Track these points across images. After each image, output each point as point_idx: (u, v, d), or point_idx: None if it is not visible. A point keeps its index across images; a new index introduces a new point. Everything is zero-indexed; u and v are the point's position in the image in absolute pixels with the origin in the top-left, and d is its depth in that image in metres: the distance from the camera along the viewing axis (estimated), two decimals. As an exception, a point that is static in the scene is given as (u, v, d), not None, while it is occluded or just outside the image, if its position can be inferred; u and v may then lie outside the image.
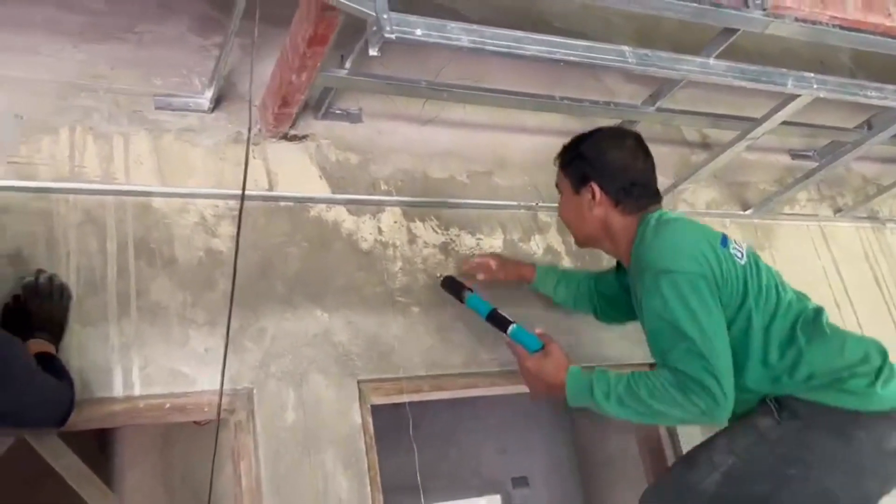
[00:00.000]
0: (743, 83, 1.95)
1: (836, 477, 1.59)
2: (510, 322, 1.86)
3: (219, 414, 1.68)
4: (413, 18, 1.54)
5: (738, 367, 1.63)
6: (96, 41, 2.04)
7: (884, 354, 1.71)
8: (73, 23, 2.03)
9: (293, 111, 2.00)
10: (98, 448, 3.77)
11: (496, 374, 2.15)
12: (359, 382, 1.95)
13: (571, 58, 1.71)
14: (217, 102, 2.08)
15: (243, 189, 1.67)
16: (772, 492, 1.60)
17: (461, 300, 2.03)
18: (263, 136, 2.10)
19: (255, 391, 1.83)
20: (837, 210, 3.04)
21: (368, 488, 1.85)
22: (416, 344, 2.06)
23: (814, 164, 3.00)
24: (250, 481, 1.78)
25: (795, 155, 3.09)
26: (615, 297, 2.07)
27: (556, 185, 1.97)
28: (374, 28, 1.51)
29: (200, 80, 2.11)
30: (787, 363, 1.66)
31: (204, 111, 2.07)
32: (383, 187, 2.22)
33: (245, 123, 2.08)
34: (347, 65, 2.03)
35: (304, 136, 2.16)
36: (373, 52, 1.54)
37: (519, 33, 1.67)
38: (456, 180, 2.35)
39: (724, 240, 1.75)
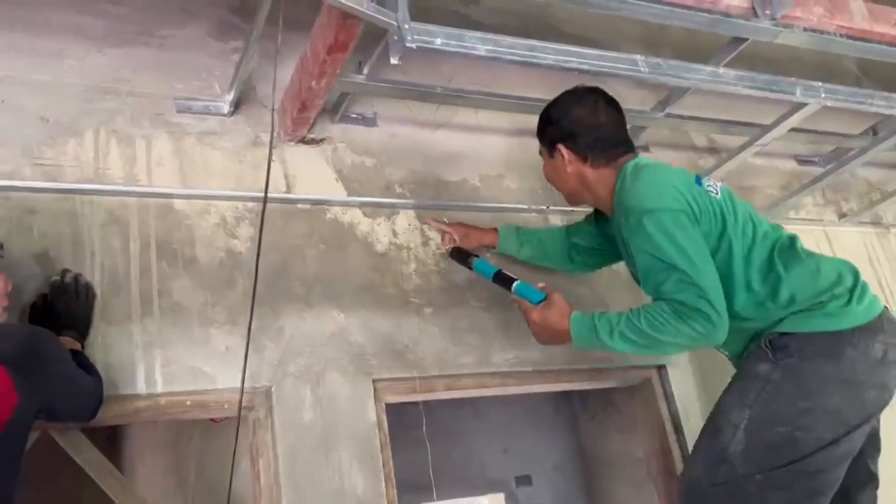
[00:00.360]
0: (752, 92, 1.99)
1: (837, 396, 1.68)
2: (514, 279, 1.98)
3: (239, 411, 1.73)
4: (433, 28, 1.59)
5: (725, 294, 1.71)
6: (119, 45, 2.09)
7: (855, 273, 1.84)
8: (96, 27, 2.07)
9: (311, 115, 2.05)
10: (107, 444, 3.82)
11: (506, 375, 2.19)
12: (374, 381, 1.99)
13: (584, 66, 1.76)
14: (236, 106, 2.12)
15: (266, 191, 1.72)
16: (792, 429, 1.67)
17: (469, 267, 2.12)
18: (281, 139, 2.14)
19: (273, 389, 1.88)
20: (842, 215, 3.08)
21: (383, 485, 1.90)
22: (430, 344, 2.11)
23: (819, 170, 3.05)
24: (269, 477, 1.82)
25: (801, 160, 3.13)
26: (592, 246, 2.18)
27: (539, 153, 2.06)
28: (396, 37, 1.56)
29: (220, 84, 2.15)
30: (769, 288, 1.77)
31: (224, 115, 2.11)
32: (398, 190, 2.26)
33: (263, 127, 2.15)
34: (365, 71, 2.07)
35: (321, 140, 2.20)
36: (394, 60, 1.59)
37: (534, 42, 1.71)
38: (468, 183, 2.40)
39: (698, 179, 1.86)
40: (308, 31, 1.90)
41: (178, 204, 1.97)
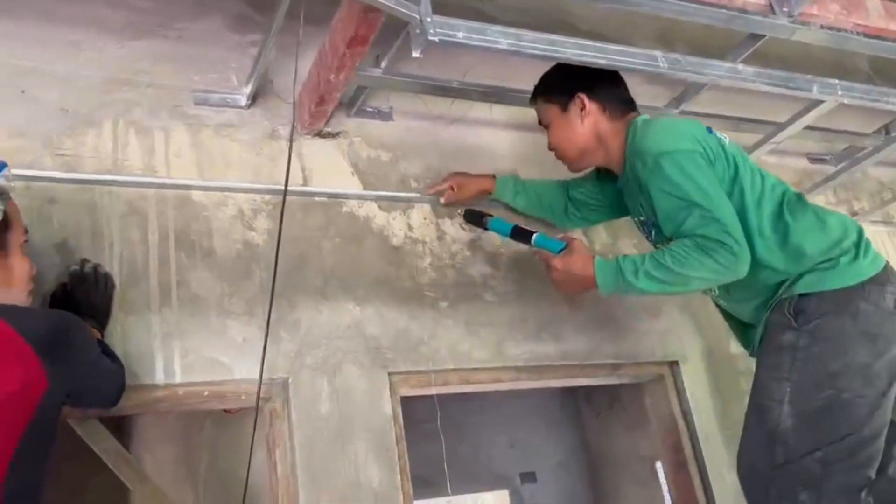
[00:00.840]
0: (770, 88, 2.00)
1: (863, 350, 1.71)
2: (533, 232, 2.02)
3: (258, 402, 1.74)
4: (455, 22, 1.59)
5: None
6: (137, 37, 2.09)
7: (858, 227, 1.88)
8: (115, 19, 2.07)
9: (329, 109, 2.05)
10: (115, 434, 3.81)
11: (521, 369, 2.20)
12: (389, 374, 2.00)
13: (604, 61, 1.76)
14: (254, 99, 2.13)
15: (286, 185, 1.73)
16: (836, 392, 1.69)
17: (484, 227, 2.15)
18: (298, 132, 2.15)
19: (290, 381, 1.89)
20: (854, 214, 3.08)
21: (399, 477, 1.91)
22: (444, 338, 2.11)
23: (831, 168, 3.05)
24: (285, 468, 1.83)
25: (813, 159, 3.13)
26: (591, 202, 2.21)
27: (541, 123, 2.08)
28: (418, 31, 1.56)
29: (237, 77, 2.16)
30: (780, 235, 1.80)
31: (241, 107, 2.12)
32: (413, 184, 2.27)
33: (280, 120, 2.16)
34: (383, 65, 2.08)
35: (338, 133, 2.21)
36: (416, 53, 1.59)
37: (555, 37, 1.71)
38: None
39: (710, 129, 1.90)
40: (324, 25, 1.91)
41: (196, 195, 1.97)
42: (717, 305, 2.08)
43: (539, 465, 4.92)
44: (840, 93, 2.06)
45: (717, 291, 1.96)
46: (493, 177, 2.27)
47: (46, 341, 1.32)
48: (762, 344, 1.85)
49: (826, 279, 1.76)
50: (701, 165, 1.76)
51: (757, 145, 2.36)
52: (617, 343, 2.33)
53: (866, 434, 1.68)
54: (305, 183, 2.11)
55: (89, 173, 1.87)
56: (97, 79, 1.99)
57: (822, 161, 3.14)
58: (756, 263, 1.78)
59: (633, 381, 2.46)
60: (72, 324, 1.41)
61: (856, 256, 1.79)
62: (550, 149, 2.09)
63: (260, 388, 1.72)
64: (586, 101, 1.95)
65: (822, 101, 2.10)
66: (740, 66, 1.97)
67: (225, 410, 2.41)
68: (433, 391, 2.03)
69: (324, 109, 2.05)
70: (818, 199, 3.01)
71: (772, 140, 2.29)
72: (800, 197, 1.90)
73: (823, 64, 2.81)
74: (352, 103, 2.25)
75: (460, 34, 1.59)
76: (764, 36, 2.12)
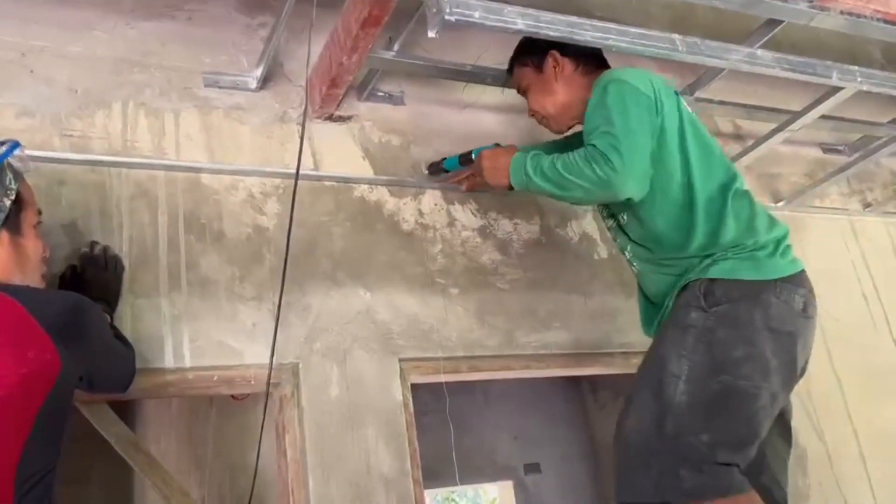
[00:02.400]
0: (789, 74, 1.97)
1: (769, 344, 1.68)
2: (472, 150, 2.08)
3: (268, 387, 1.72)
4: (472, 1, 1.56)
5: (677, 197, 1.80)
6: (148, 19, 2.07)
7: (785, 229, 1.86)
8: (125, 0, 2.05)
9: (340, 92, 2.03)
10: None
11: (531, 358, 2.18)
12: (400, 361, 1.98)
13: (623, 45, 1.73)
14: (264, 82, 2.10)
15: (297, 168, 1.71)
16: (733, 378, 1.66)
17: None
18: (309, 116, 2.12)
19: (300, 366, 1.87)
20: (867, 205, 3.06)
21: (409, 464, 1.89)
22: (455, 325, 2.09)
23: (845, 159, 3.02)
24: (295, 453, 1.82)
25: (827, 149, 3.10)
26: None
27: (519, 91, 2.09)
28: (435, 10, 1.53)
29: (248, 59, 2.14)
30: (714, 208, 1.79)
31: (251, 90, 2.10)
32: (424, 170, 2.24)
33: (291, 103, 2.14)
34: (395, 47, 2.05)
35: (349, 117, 2.19)
36: (431, 34, 1.56)
37: (573, 18, 1.69)
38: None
39: (678, 95, 1.90)
40: (335, 8, 1.88)
41: (206, 178, 1.95)
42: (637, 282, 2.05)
43: (543, 457, 4.91)
44: (860, 79, 2.03)
45: (630, 252, 1.95)
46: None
47: (60, 324, 1.30)
48: (668, 319, 1.82)
49: (741, 268, 1.74)
50: (641, 105, 1.75)
51: (772, 133, 2.33)
52: (627, 332, 2.30)
53: (755, 429, 1.66)
54: (316, 167, 2.08)
55: (98, 154, 1.85)
56: (107, 59, 1.97)
57: (835, 151, 3.11)
58: (683, 227, 1.80)
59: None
60: (85, 306, 1.39)
61: (773, 253, 1.78)
62: (531, 114, 2.08)
63: (270, 372, 1.70)
64: (559, 57, 1.95)
65: (840, 88, 2.06)
66: (759, 52, 1.94)
67: (232, 396, 2.40)
68: (443, 378, 2.01)
69: (335, 93, 2.02)
70: (831, 189, 2.99)
71: (788, 128, 2.26)
72: (745, 190, 1.88)
73: (836, 53, 2.78)
74: (363, 87, 2.22)
75: (476, 14, 1.56)
76: (782, 22, 2.09)
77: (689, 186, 1.80)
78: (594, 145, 1.73)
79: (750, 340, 1.68)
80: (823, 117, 2.42)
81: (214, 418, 2.76)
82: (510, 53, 2.41)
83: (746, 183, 1.91)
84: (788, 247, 1.83)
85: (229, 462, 2.59)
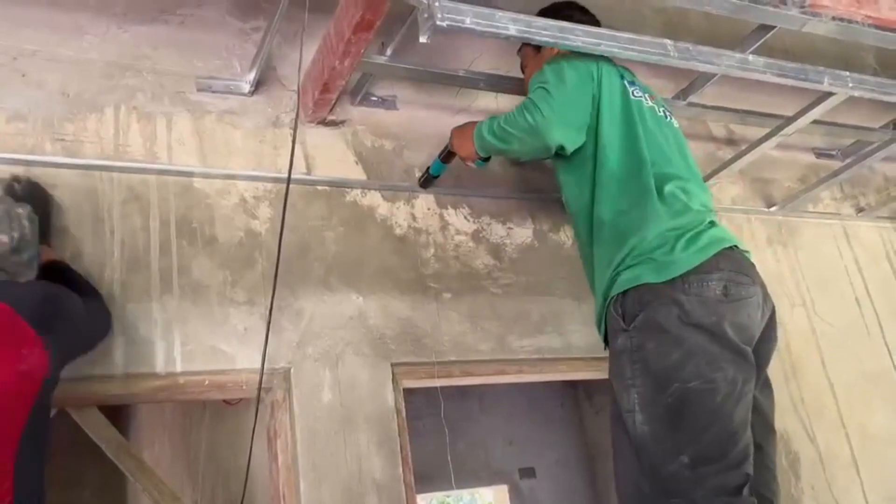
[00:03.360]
0: (780, 80, 1.97)
1: (697, 337, 1.62)
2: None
3: (259, 391, 1.71)
4: (463, 7, 1.56)
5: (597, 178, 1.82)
6: (140, 22, 2.07)
7: (691, 215, 1.77)
8: (118, 4, 2.05)
9: (333, 97, 2.03)
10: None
11: (524, 362, 2.18)
12: (392, 365, 1.98)
13: (615, 50, 1.73)
14: (256, 86, 2.10)
15: (289, 173, 1.71)
16: (681, 384, 1.60)
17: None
18: (302, 120, 2.12)
19: (292, 371, 1.86)
20: (860, 210, 3.06)
21: (401, 469, 1.88)
22: (448, 329, 2.09)
23: (837, 163, 3.03)
24: (286, 458, 1.81)
25: (820, 153, 3.10)
26: None
27: (522, 69, 2.19)
28: (426, 15, 1.53)
29: (240, 64, 2.14)
30: (625, 202, 1.79)
31: (244, 94, 2.10)
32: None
33: (283, 107, 2.13)
34: (388, 52, 2.05)
35: (342, 122, 2.19)
36: (423, 39, 1.56)
37: (565, 24, 1.69)
38: (488, 169, 2.37)
39: (633, 82, 1.97)
40: (327, 12, 1.89)
41: (198, 182, 1.95)
42: None
43: (538, 461, 4.91)
44: (851, 85, 2.04)
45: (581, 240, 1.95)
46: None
47: (40, 317, 1.30)
48: (608, 346, 1.79)
49: (643, 273, 1.69)
50: (580, 76, 1.83)
51: (765, 138, 2.34)
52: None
53: (731, 426, 1.58)
54: (308, 171, 2.08)
55: (90, 159, 1.85)
56: (99, 63, 1.97)
57: (828, 156, 3.12)
58: (601, 218, 1.80)
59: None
60: (62, 296, 1.41)
61: (672, 249, 1.70)
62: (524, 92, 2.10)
63: (262, 377, 1.70)
64: None
65: (832, 94, 2.07)
66: (751, 57, 1.94)
67: (225, 401, 2.40)
68: (437, 383, 2.01)
69: (328, 97, 2.02)
70: (824, 194, 2.99)
71: (781, 132, 2.26)
72: (651, 182, 1.81)
73: (829, 58, 2.79)
74: (355, 92, 2.22)
75: (468, 20, 1.56)
76: (773, 28, 2.10)
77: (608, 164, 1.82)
78: (529, 98, 1.82)
79: (678, 340, 1.62)
80: (816, 122, 2.43)
81: (207, 423, 2.75)
82: (503, 59, 2.43)
83: (705, 181, 1.96)
84: (697, 233, 1.74)
85: (222, 466, 2.59)
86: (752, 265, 1.79)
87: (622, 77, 1.94)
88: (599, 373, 2.32)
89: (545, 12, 2.02)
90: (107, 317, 1.64)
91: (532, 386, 4.59)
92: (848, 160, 2.90)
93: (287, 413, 1.84)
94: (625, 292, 1.70)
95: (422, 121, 2.34)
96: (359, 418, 1.89)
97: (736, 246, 1.76)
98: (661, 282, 1.66)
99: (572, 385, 5.05)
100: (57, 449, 2.05)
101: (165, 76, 2.03)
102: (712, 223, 1.80)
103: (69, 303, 1.44)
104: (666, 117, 1.98)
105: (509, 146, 1.90)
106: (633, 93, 1.92)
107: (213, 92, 2.07)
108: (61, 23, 1.97)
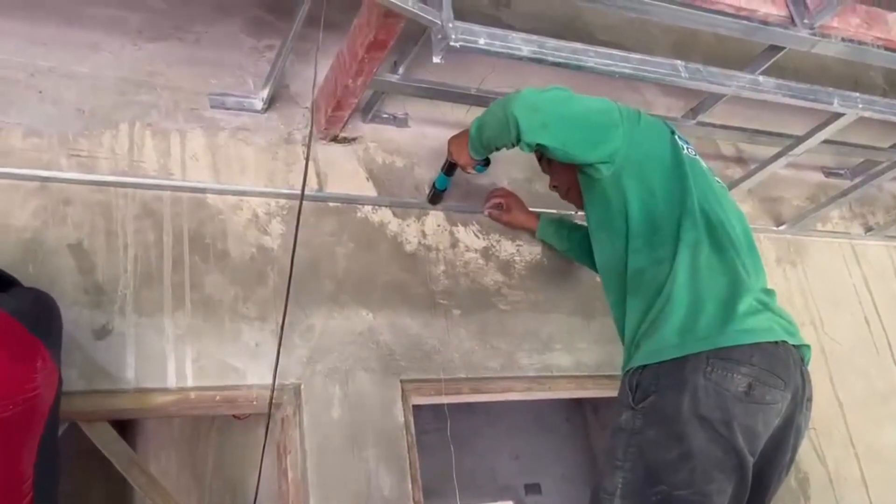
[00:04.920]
0: (790, 101, 1.98)
1: (701, 435, 1.45)
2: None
3: (270, 407, 1.72)
4: (477, 28, 1.58)
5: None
6: (155, 40, 2.09)
7: (745, 284, 1.58)
8: (133, 21, 2.07)
9: (345, 114, 2.04)
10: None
11: (532, 380, 2.18)
12: (402, 382, 1.98)
13: (627, 70, 1.75)
14: (270, 103, 2.12)
15: (303, 189, 1.72)
16: (669, 489, 1.45)
17: (440, 191, 2.18)
18: (314, 137, 2.14)
19: (302, 386, 1.87)
20: (868, 229, 3.06)
21: (410, 486, 1.88)
22: (457, 346, 2.09)
23: (846, 182, 3.03)
24: (296, 474, 1.81)
25: (828, 172, 3.11)
26: None
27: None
28: (440, 36, 1.55)
29: (254, 81, 2.15)
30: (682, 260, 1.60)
31: (257, 111, 2.11)
32: (427, 191, 2.25)
33: (296, 124, 2.16)
34: (400, 71, 2.07)
35: (354, 139, 2.20)
36: (437, 59, 1.58)
37: (577, 45, 1.70)
38: (497, 187, 2.38)
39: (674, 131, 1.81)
40: (341, 30, 1.91)
41: (211, 199, 1.96)
42: None
43: (544, 477, 4.89)
44: (860, 106, 2.05)
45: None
46: (538, 216, 2.27)
47: (38, 319, 1.30)
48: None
49: (667, 346, 1.53)
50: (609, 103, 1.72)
51: (774, 157, 2.35)
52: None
53: None
54: (320, 188, 2.10)
55: (105, 174, 1.86)
56: (114, 80, 1.99)
57: (837, 175, 3.12)
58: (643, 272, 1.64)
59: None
60: (51, 303, 1.41)
61: (707, 318, 1.52)
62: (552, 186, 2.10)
63: (273, 393, 1.70)
64: None
65: (841, 115, 2.08)
66: (761, 78, 1.96)
67: (234, 415, 2.40)
68: (445, 400, 2.01)
69: (340, 115, 2.04)
70: (833, 213, 3.00)
71: (790, 153, 2.27)
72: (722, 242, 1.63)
73: (838, 77, 2.81)
74: (367, 109, 2.24)
75: (482, 40, 1.58)
76: (783, 48, 2.12)
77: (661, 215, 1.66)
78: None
79: (681, 436, 1.45)
80: (826, 142, 2.44)
81: (215, 436, 2.76)
82: (513, 78, 2.44)
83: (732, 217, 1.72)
84: (753, 310, 1.53)
85: (230, 481, 2.59)
86: (796, 364, 1.56)
87: (673, 132, 1.81)
88: (608, 391, 2.31)
89: None
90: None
91: (539, 401, 4.58)
92: (857, 179, 2.90)
93: (297, 429, 1.84)
94: (646, 367, 1.56)
95: (433, 138, 2.35)
96: (368, 434, 1.89)
97: (784, 342, 1.55)
98: (680, 356, 1.50)
99: (578, 399, 5.04)
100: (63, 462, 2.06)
101: (179, 93, 2.05)
102: (765, 304, 1.60)
103: (50, 301, 1.43)
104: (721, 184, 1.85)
105: (486, 132, 1.81)
106: (685, 149, 1.77)
107: (227, 109, 2.09)
108: (77, 40, 1.99)
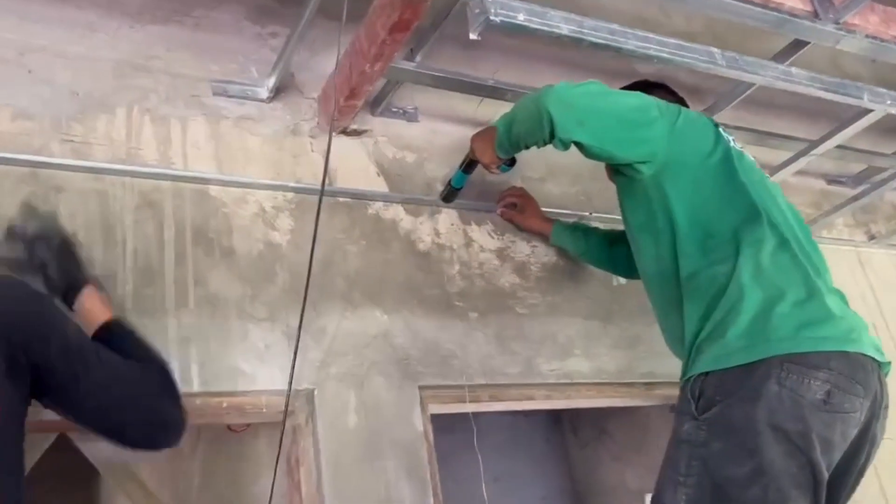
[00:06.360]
0: (822, 93, 1.92)
1: (774, 446, 1.34)
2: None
3: (286, 415, 1.57)
4: (516, 3, 1.48)
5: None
6: (153, 22, 1.95)
7: (813, 286, 1.49)
8: (130, 2, 1.93)
9: (359, 103, 1.93)
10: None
11: (552, 387, 2.07)
12: (420, 388, 1.85)
13: (665, 55, 1.66)
14: (275, 92, 2.00)
15: (323, 184, 1.60)
16: None
17: (456, 189, 2.07)
18: (321, 128, 2.02)
19: (316, 392, 1.73)
20: (871, 237, 3.04)
21: (431, 499, 1.75)
22: (475, 351, 1.98)
23: (848, 190, 3.01)
24: (311, 488, 1.67)
25: (831, 180, 3.08)
26: None
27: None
28: (478, 10, 1.45)
29: (257, 69, 2.03)
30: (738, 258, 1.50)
31: (262, 100, 1.99)
32: (439, 188, 2.14)
33: (302, 115, 2.05)
34: (417, 58, 1.96)
35: (364, 131, 2.08)
36: (473, 35, 1.47)
37: (615, 26, 1.61)
38: (509, 185, 2.28)
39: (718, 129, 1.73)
40: (349, 20, 1.78)
41: (214, 190, 1.83)
42: None
43: (523, 499, 4.77)
44: (889, 102, 2.00)
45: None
46: (552, 221, 2.17)
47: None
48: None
49: (734, 350, 1.42)
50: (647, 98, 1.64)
51: (795, 157, 2.30)
52: (648, 361, 2.21)
53: None
54: (331, 182, 1.97)
55: (100, 161, 1.71)
56: (111, 62, 1.85)
57: (839, 182, 3.09)
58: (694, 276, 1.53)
59: (664, 402, 2.33)
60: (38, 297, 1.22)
61: (779, 318, 1.42)
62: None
63: (289, 399, 1.56)
64: None
65: (871, 111, 2.03)
66: (794, 70, 1.89)
67: (228, 426, 2.24)
68: (467, 408, 1.88)
69: (353, 104, 1.92)
70: (838, 221, 2.96)
71: (812, 152, 2.24)
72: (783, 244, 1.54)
73: (850, 77, 2.77)
74: (377, 102, 2.13)
75: (521, 16, 1.47)
76: (807, 43, 2.07)
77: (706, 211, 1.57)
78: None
79: (752, 450, 1.34)
80: (841, 148, 2.40)
81: (203, 451, 2.57)
82: (521, 74, 2.35)
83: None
84: (828, 315, 1.43)
85: (222, 499, 2.41)
86: (873, 369, 1.45)
87: (717, 126, 1.73)
88: (629, 399, 2.23)
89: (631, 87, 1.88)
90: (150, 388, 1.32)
91: (516, 419, 4.47)
92: (862, 187, 2.88)
93: (311, 438, 1.70)
94: (709, 373, 1.44)
95: (443, 133, 2.24)
96: (385, 444, 1.76)
97: (862, 354, 1.43)
98: (752, 361, 1.39)
99: (557, 417, 4.94)
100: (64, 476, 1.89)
101: (179, 78, 1.91)
102: (841, 308, 1.50)
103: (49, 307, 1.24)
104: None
105: (515, 128, 1.70)
106: (731, 143, 1.70)
107: (230, 97, 1.96)
108: (70, 19, 1.84)
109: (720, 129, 1.70)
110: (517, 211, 2.17)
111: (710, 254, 1.53)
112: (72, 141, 1.72)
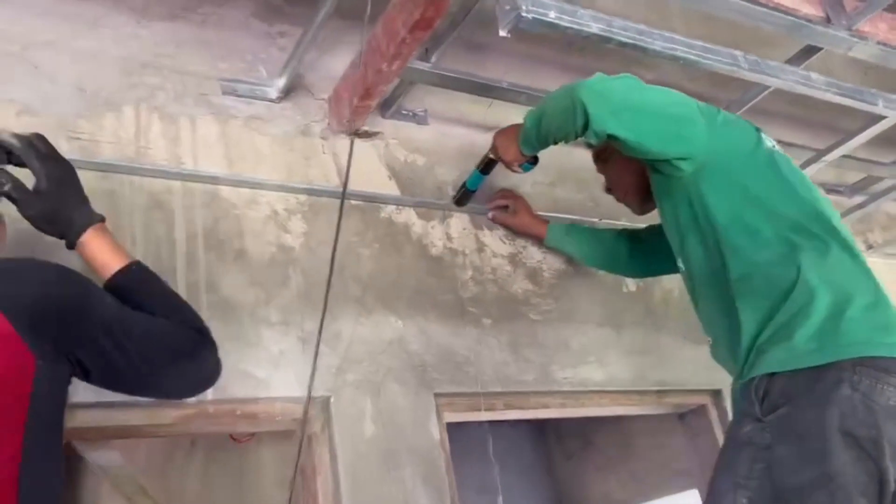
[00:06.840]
0: (839, 99, 1.92)
1: (844, 452, 1.29)
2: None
3: (304, 424, 1.52)
4: (548, 0, 1.45)
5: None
6: (159, 19, 1.89)
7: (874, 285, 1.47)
8: (137, -2, 1.88)
9: (373, 104, 1.88)
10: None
11: (567, 395, 2.03)
12: (435, 396, 1.81)
13: (691, 56, 1.64)
14: (285, 92, 1.95)
15: (344, 187, 1.57)
16: None
17: (471, 191, 2.03)
18: (334, 129, 1.97)
19: (332, 399, 1.67)
20: (869, 246, 3.05)
21: (450, 510, 1.70)
22: (489, 358, 1.94)
23: (845, 199, 3.02)
24: (328, 499, 1.61)
25: (829, 189, 3.09)
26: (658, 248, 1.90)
27: (599, 161, 1.97)
28: (508, 7, 1.42)
29: (266, 68, 1.98)
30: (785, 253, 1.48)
31: (271, 100, 1.94)
32: (450, 192, 2.10)
33: (313, 115, 2.00)
34: (433, 59, 1.93)
35: (376, 133, 2.04)
36: (503, 32, 1.44)
37: (643, 27, 1.59)
38: (519, 190, 2.24)
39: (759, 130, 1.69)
40: (358, 20, 1.74)
41: (226, 192, 1.77)
42: None
43: (511, 512, 4.72)
44: (902, 109, 2.00)
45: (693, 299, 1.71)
46: (547, 223, 2.12)
47: (32, 315, 1.07)
48: (730, 424, 1.52)
49: (802, 351, 1.38)
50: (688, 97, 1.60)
51: (810, 161, 2.30)
52: (659, 369, 2.18)
53: None
54: (342, 184, 1.92)
55: (109, 160, 1.65)
56: (118, 59, 1.79)
57: (836, 192, 3.10)
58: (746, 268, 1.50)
59: (674, 410, 2.31)
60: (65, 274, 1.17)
61: (854, 322, 1.38)
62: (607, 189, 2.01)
63: (308, 405, 1.50)
64: None
65: (884, 117, 2.03)
66: (813, 75, 1.89)
67: (232, 437, 2.18)
68: (483, 417, 1.84)
69: (367, 105, 1.88)
70: (837, 230, 2.96)
71: (828, 155, 2.24)
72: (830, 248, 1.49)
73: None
74: (388, 104, 2.09)
75: (552, 14, 1.45)
76: (819, 49, 2.06)
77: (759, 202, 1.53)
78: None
79: (820, 456, 1.29)
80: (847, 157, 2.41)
81: (200, 462, 2.50)
82: (528, 79, 2.32)
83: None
84: (882, 316, 1.40)
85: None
86: None
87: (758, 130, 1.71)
88: (641, 407, 2.20)
89: None
90: (179, 339, 1.30)
91: (503, 428, 4.44)
92: (861, 197, 2.89)
93: (327, 447, 1.65)
94: (775, 375, 1.39)
95: (453, 137, 2.21)
96: (402, 452, 1.71)
97: None
98: (822, 364, 1.35)
99: (542, 428, 4.91)
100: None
101: (188, 76, 1.86)
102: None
103: (75, 283, 1.19)
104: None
105: (545, 123, 1.65)
106: (774, 146, 1.67)
107: (239, 96, 1.90)
108: (76, 13, 1.78)
109: (761, 132, 1.68)
110: (509, 213, 2.12)
111: (761, 254, 1.50)
112: (79, 138, 1.66)
